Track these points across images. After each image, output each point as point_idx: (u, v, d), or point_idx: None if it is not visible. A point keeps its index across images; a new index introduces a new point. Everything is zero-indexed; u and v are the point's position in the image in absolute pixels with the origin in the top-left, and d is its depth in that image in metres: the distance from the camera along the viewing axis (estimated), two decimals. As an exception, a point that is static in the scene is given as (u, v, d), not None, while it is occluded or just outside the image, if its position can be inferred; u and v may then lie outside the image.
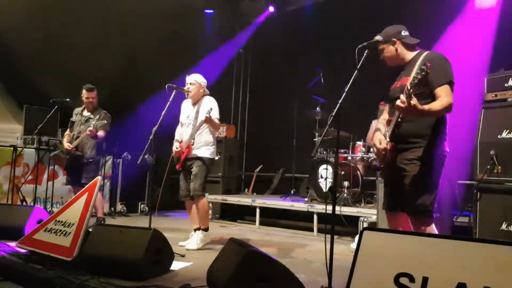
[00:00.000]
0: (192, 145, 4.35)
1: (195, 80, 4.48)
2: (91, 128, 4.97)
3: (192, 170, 4.38)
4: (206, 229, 4.41)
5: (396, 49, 2.87)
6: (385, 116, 3.01)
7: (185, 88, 4.45)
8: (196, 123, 4.38)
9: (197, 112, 4.44)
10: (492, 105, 3.96)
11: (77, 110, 5.43)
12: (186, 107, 4.60)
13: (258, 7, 8.74)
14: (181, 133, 4.55)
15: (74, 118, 5.41)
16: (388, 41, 2.88)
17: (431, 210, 2.69)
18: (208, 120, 4.22)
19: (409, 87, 2.45)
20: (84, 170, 5.17)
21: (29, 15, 6.36)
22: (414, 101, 2.43)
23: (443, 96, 2.62)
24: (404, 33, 2.88)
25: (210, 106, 4.33)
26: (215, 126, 4.46)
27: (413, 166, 2.67)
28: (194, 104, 4.52)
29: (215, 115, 4.38)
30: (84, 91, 5.30)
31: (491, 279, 1.68)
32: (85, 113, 5.35)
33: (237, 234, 5.39)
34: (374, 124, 6.08)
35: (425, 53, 2.83)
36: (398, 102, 2.48)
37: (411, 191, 2.66)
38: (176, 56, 7.23)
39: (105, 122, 5.15)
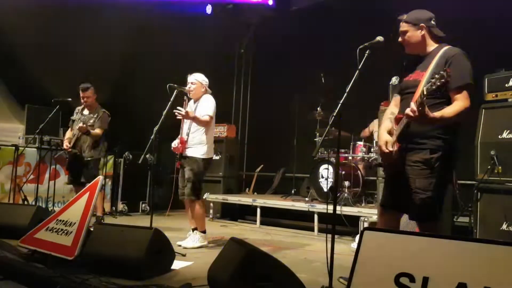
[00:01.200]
0: (186, 142, 4.37)
1: (195, 79, 4.50)
2: (80, 124, 4.98)
3: (185, 169, 4.38)
4: (203, 232, 4.41)
5: (423, 36, 2.70)
6: (393, 110, 2.86)
7: (187, 87, 4.47)
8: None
9: (195, 109, 4.46)
10: (493, 105, 3.96)
11: (78, 108, 5.45)
12: (190, 103, 4.62)
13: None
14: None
15: (74, 116, 5.42)
16: (416, 25, 2.70)
17: (437, 216, 2.62)
18: (186, 116, 4.19)
19: (425, 93, 2.30)
20: (83, 170, 5.18)
21: (31, 14, 6.38)
22: (426, 109, 2.33)
23: (458, 100, 2.49)
24: (433, 21, 2.71)
25: (206, 103, 4.34)
26: (200, 122, 4.36)
27: (417, 169, 2.57)
28: (195, 102, 4.55)
29: (206, 111, 4.36)
30: (80, 92, 5.31)
31: (492, 279, 1.68)
32: (85, 111, 5.37)
33: (238, 234, 5.40)
34: (371, 124, 6.09)
35: (445, 48, 2.65)
36: (408, 111, 2.38)
37: (415, 195, 2.58)
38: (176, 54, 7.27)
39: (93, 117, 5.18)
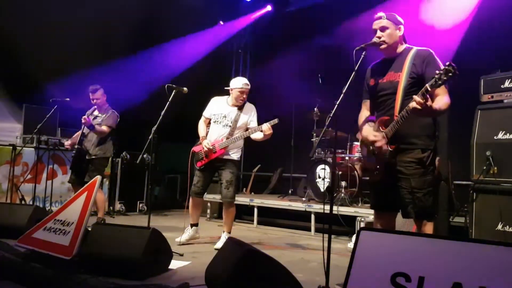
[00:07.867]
0: (227, 147, 4.37)
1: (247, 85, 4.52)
2: (84, 116, 5.03)
3: (222, 171, 4.42)
4: (229, 232, 4.47)
5: (400, 37, 2.77)
6: (366, 114, 2.91)
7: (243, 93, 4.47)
8: (237, 126, 4.42)
9: (238, 115, 4.45)
10: (488, 107, 3.98)
11: (89, 110, 5.48)
12: (222, 105, 4.52)
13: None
14: (208, 130, 4.54)
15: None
16: (397, 25, 2.76)
17: (434, 212, 2.68)
18: (268, 134, 4.31)
19: (429, 89, 2.35)
20: (88, 168, 5.18)
21: (29, 13, 6.37)
22: (429, 101, 2.39)
23: (442, 94, 2.56)
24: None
25: (253, 113, 4.52)
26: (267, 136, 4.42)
27: (411, 169, 2.63)
28: (235, 105, 4.49)
29: (255, 123, 4.54)
30: (90, 94, 5.35)
31: (487, 279, 1.70)
32: (95, 112, 5.41)
33: (235, 234, 5.40)
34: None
35: (414, 48, 2.74)
36: (413, 104, 2.40)
37: (412, 195, 2.62)
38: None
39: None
